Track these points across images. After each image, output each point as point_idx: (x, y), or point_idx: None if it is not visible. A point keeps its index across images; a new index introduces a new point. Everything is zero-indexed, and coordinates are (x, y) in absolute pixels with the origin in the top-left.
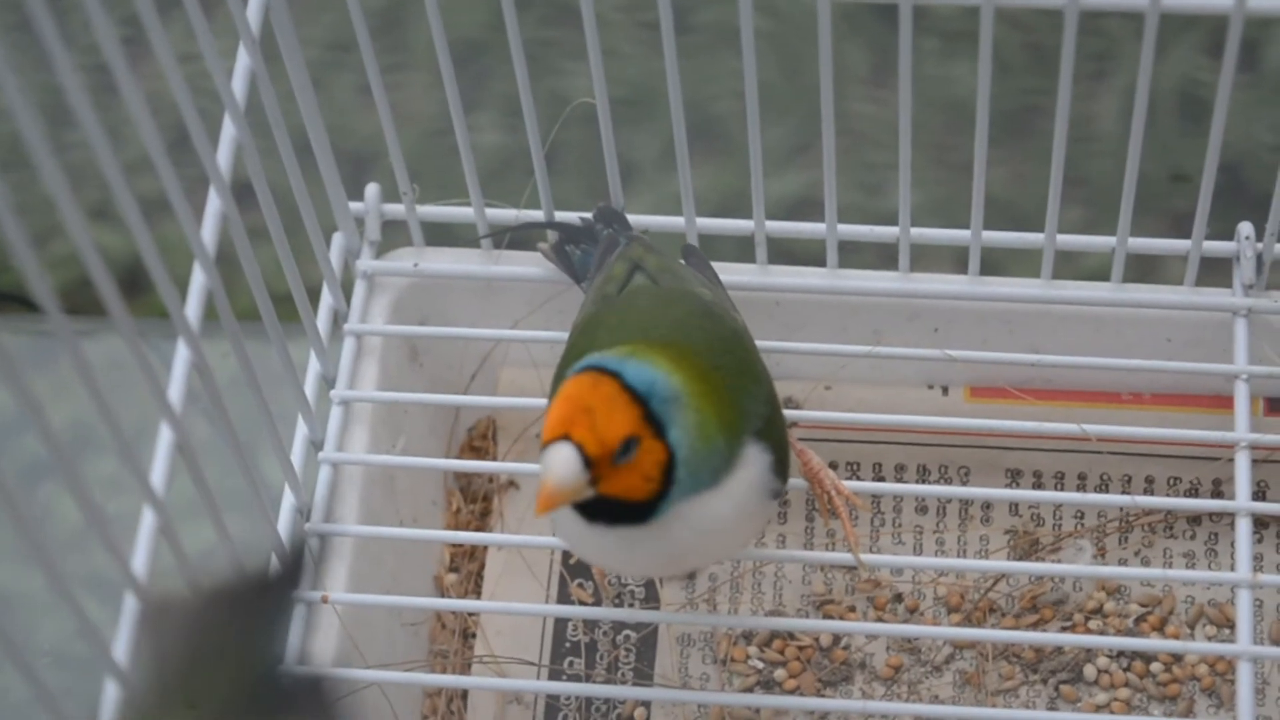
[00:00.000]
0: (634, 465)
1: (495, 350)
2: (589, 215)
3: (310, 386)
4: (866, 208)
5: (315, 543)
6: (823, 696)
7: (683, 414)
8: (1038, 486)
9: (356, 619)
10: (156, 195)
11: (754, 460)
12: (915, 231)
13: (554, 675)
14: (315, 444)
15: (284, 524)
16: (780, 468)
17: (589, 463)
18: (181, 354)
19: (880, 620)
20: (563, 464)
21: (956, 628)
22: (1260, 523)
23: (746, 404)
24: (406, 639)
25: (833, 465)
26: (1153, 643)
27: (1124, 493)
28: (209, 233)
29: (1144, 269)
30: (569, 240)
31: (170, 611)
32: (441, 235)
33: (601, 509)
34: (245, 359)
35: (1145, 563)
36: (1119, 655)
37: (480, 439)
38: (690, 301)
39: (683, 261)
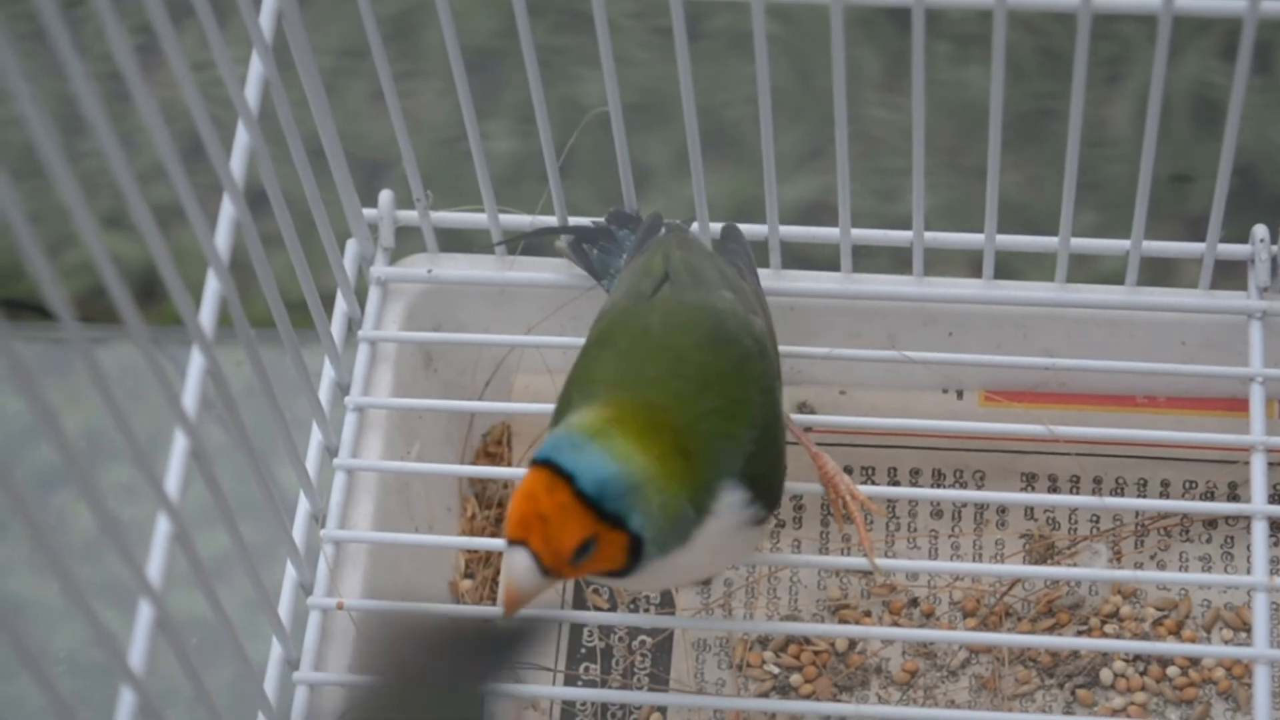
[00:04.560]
0: (598, 557)
1: (509, 356)
2: (601, 220)
3: (325, 393)
4: (880, 212)
5: (548, 624)
6: (839, 701)
7: (643, 501)
8: (1053, 490)
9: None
10: (170, 203)
11: (727, 507)
12: (929, 236)
13: (570, 681)
14: (330, 450)
15: (299, 531)
16: (767, 494)
17: (545, 570)
18: (196, 361)
19: (896, 625)
20: (520, 572)
21: (972, 632)
22: (1277, 526)
23: (722, 455)
24: None
25: (848, 470)
26: (1169, 646)
27: (1139, 496)
28: (223, 240)
29: (1158, 272)
30: (585, 240)
31: (399, 640)
32: (455, 241)
33: None
34: (260, 366)
35: (1161, 566)
36: (1135, 659)
37: (495, 445)
38: (699, 323)
39: (712, 250)
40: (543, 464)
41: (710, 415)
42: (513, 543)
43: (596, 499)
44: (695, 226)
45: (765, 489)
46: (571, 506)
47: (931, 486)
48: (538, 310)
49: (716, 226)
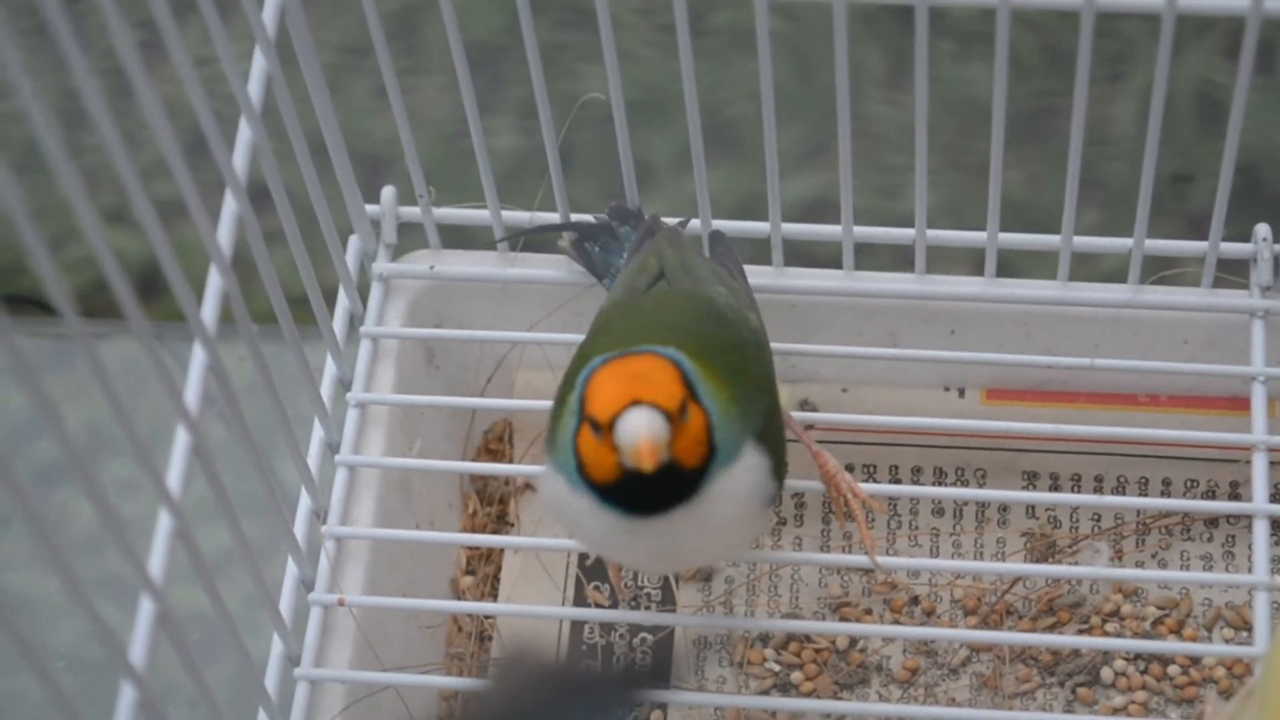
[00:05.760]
0: (689, 427)
1: (511, 353)
2: (603, 215)
3: (326, 389)
4: (882, 210)
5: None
6: (839, 699)
7: (706, 384)
8: (1054, 489)
9: (373, 622)
10: (173, 198)
11: (753, 465)
12: (931, 233)
13: None
14: (331, 447)
15: (300, 527)
16: (777, 472)
17: (668, 418)
18: (198, 357)
19: (897, 623)
20: (648, 421)
21: (973, 630)
22: (1278, 525)
23: (745, 400)
24: (423, 642)
25: (849, 468)
26: (1170, 645)
27: (1141, 495)
28: (225, 236)
29: (1160, 271)
30: (587, 238)
31: (518, 670)
32: (457, 238)
33: (641, 497)
34: (262, 362)
35: (1162, 565)
36: (1136, 658)
37: (496, 441)
38: (696, 303)
39: (706, 254)
40: (610, 360)
41: (728, 372)
42: (620, 412)
43: (677, 361)
44: (697, 223)
45: (777, 466)
46: (664, 364)
47: (933, 484)
48: (540, 307)
49: (715, 224)
